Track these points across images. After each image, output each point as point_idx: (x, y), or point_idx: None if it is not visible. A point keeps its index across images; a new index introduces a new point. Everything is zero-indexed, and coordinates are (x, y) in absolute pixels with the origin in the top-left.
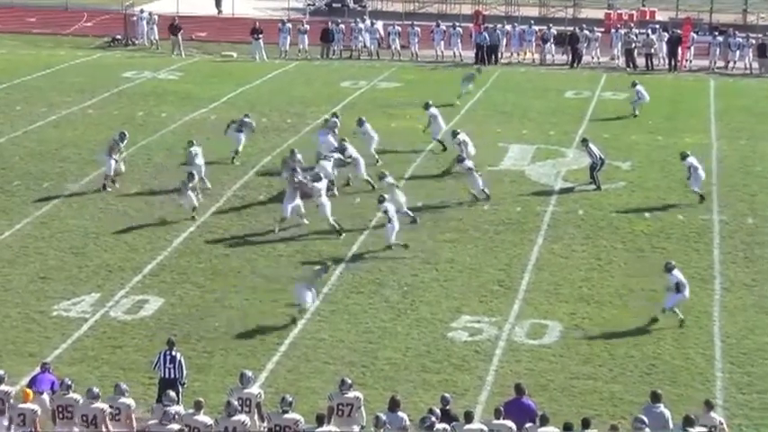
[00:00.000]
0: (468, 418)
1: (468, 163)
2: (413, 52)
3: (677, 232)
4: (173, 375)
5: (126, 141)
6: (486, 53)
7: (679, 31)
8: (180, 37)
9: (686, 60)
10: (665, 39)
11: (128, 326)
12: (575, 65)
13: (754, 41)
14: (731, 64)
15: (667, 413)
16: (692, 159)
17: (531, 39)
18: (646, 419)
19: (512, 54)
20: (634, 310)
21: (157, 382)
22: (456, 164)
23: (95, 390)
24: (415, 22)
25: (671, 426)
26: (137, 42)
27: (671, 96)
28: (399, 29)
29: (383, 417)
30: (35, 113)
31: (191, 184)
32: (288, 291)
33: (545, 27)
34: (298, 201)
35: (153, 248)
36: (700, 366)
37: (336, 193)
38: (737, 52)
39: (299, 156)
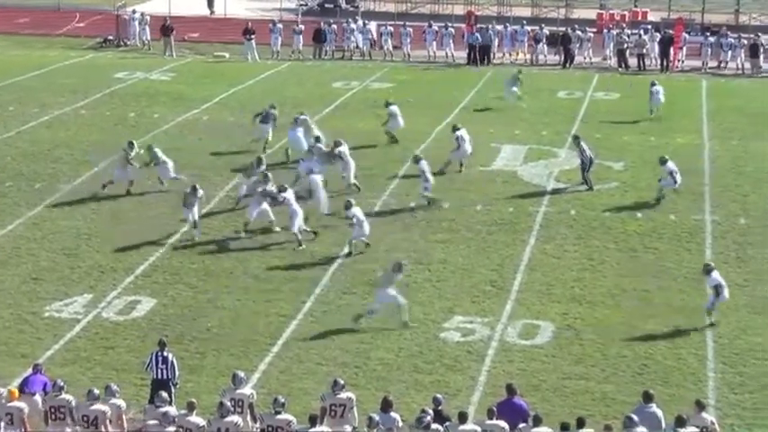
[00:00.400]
0: (463, 418)
1: (343, 148)
2: (405, 53)
3: (669, 232)
4: (165, 376)
5: (135, 150)
6: (479, 53)
7: (671, 32)
8: (172, 38)
9: (678, 61)
10: (657, 39)
11: (120, 327)
12: (567, 65)
13: (746, 42)
14: (723, 64)
15: (660, 413)
16: (671, 164)
17: (524, 39)
18: (636, 418)
19: (504, 54)
20: (626, 311)
21: (150, 383)
22: (413, 162)
23: (96, 391)
24: (408, 23)
25: (663, 426)
26: (129, 43)
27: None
28: (392, 29)
29: (376, 417)
30: (27, 114)
31: (197, 197)
32: (281, 291)
33: (537, 27)
34: (264, 206)
35: (145, 249)
36: (692, 366)
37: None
38: (729, 52)
39: (263, 166)
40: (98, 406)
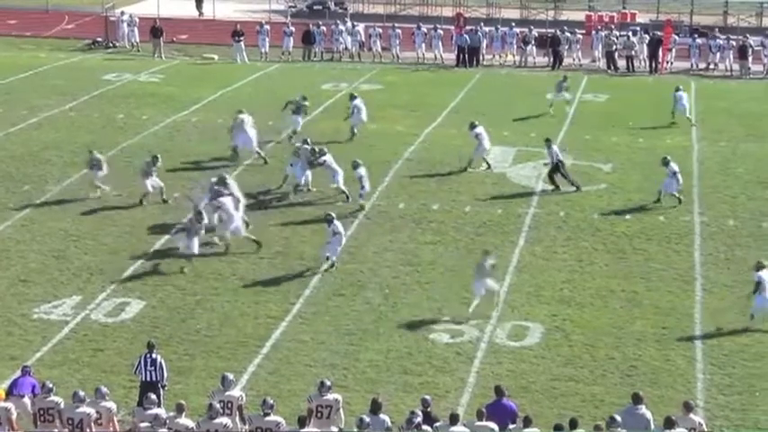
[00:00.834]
0: (454, 420)
1: (327, 158)
2: (394, 54)
3: (658, 234)
4: (154, 378)
5: (159, 164)
6: (468, 55)
7: (660, 33)
8: (161, 40)
9: (667, 62)
10: (646, 41)
11: (109, 329)
12: (556, 67)
13: (734, 43)
14: (712, 66)
15: (649, 415)
16: (674, 165)
17: (513, 41)
18: (618, 418)
19: (493, 56)
20: (615, 312)
21: (138, 385)
22: (318, 156)
23: (81, 393)
24: (396, 25)
25: (652, 427)
26: (117, 45)
27: (651, 98)
28: (381, 31)
29: (366, 419)
30: (16, 116)
31: (198, 225)
32: (269, 293)
33: (526, 29)
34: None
35: (134, 251)
36: (681, 368)
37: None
38: (718, 54)
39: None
40: (83, 409)
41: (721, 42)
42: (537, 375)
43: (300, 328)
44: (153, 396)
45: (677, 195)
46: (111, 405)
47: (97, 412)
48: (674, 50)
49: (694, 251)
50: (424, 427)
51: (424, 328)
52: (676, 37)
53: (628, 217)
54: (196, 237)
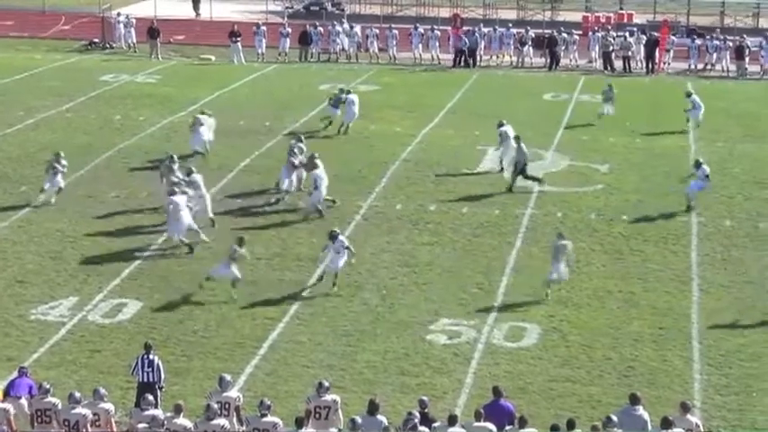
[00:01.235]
0: (452, 421)
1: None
2: (391, 55)
3: (655, 234)
4: (151, 379)
5: (177, 163)
6: (466, 56)
7: (656, 34)
8: (158, 41)
9: (664, 63)
10: (643, 41)
11: (106, 330)
12: (553, 67)
13: (731, 44)
14: (709, 66)
15: (646, 415)
16: (706, 167)
17: (510, 41)
18: (615, 418)
19: (491, 57)
20: (612, 313)
21: (136, 387)
22: (307, 170)
23: (77, 395)
24: (393, 25)
25: (650, 428)
26: (114, 46)
27: (649, 99)
28: (377, 32)
29: (359, 420)
30: (13, 117)
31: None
32: (267, 294)
33: (523, 30)
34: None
35: (131, 252)
36: (678, 368)
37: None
38: (715, 55)
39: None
40: (80, 410)
41: (718, 43)
42: (534, 376)
43: (298, 329)
44: (150, 397)
45: (691, 198)
46: (109, 406)
47: (94, 414)
48: (671, 51)
49: (691, 252)
50: (422, 428)
51: (422, 329)
52: (674, 38)
53: (625, 218)
54: (234, 262)
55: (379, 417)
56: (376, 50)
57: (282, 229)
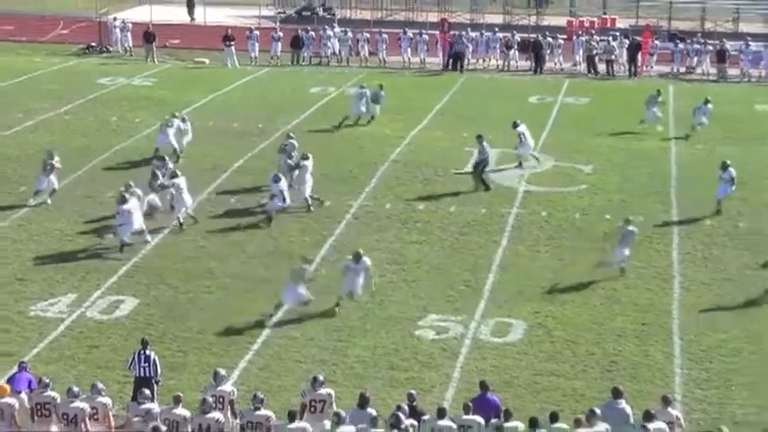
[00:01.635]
0: (441, 414)
1: (282, 185)
2: (380, 59)
3: (638, 233)
4: (147, 374)
5: (166, 165)
6: (454, 60)
7: (639, 38)
8: (154, 44)
9: (647, 66)
10: (626, 45)
11: (104, 326)
12: (538, 71)
13: (711, 48)
14: (690, 70)
15: (628, 409)
16: (732, 170)
17: (496, 45)
18: (598, 411)
19: (477, 60)
20: (596, 309)
21: (133, 381)
22: (272, 180)
23: (75, 389)
24: (383, 30)
25: (632, 421)
26: (111, 49)
27: (631, 101)
28: (368, 36)
29: (343, 414)
30: (12, 119)
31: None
32: (259, 291)
33: (509, 34)
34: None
35: (128, 250)
36: (659, 363)
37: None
38: (696, 58)
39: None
40: (78, 404)
41: (699, 47)
42: (520, 370)
43: (290, 326)
44: (147, 391)
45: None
46: (107, 400)
47: (92, 407)
48: (655, 55)
49: (672, 250)
50: (410, 420)
51: (411, 324)
52: (657, 42)
53: (608, 216)
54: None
55: (370, 409)
56: (366, 54)
57: (274, 228)
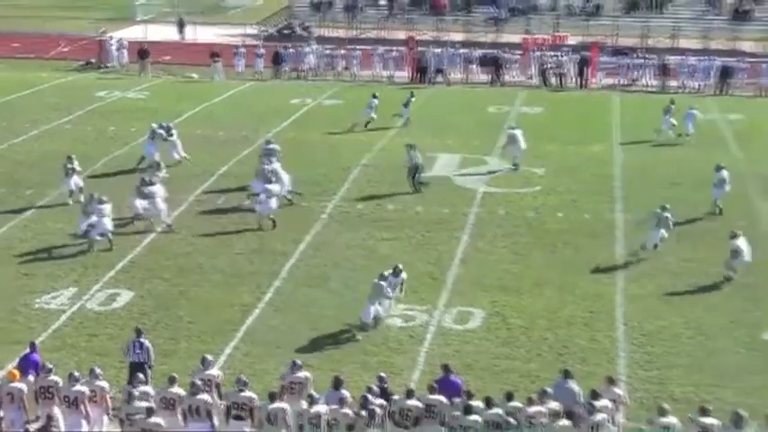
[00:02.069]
0: (410, 394)
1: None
2: (353, 73)
3: (586, 229)
4: (141, 360)
5: (163, 171)
6: (420, 73)
7: (587, 54)
8: (148, 61)
9: (595, 79)
10: (575, 60)
11: (102, 316)
12: (496, 83)
13: (653, 62)
14: (634, 82)
15: (577, 388)
16: (726, 172)
17: (458, 60)
18: (550, 391)
19: (439, 74)
20: (548, 299)
21: (128, 366)
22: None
23: (76, 374)
24: (357, 47)
25: (582, 400)
26: (108, 65)
27: (580, 111)
28: (343, 52)
29: (316, 395)
30: (20, 128)
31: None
32: (244, 284)
33: (469, 50)
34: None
35: (124, 248)
36: (605, 347)
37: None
38: (638, 72)
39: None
40: (78, 387)
41: (641, 61)
42: (479, 355)
43: (272, 315)
44: (141, 376)
45: (718, 204)
46: (105, 384)
47: (92, 391)
48: (603, 71)
49: (616, 245)
50: (380, 401)
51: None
52: (604, 57)
53: (559, 215)
54: (383, 304)
55: (344, 391)
56: (340, 69)
57: (259, 227)
